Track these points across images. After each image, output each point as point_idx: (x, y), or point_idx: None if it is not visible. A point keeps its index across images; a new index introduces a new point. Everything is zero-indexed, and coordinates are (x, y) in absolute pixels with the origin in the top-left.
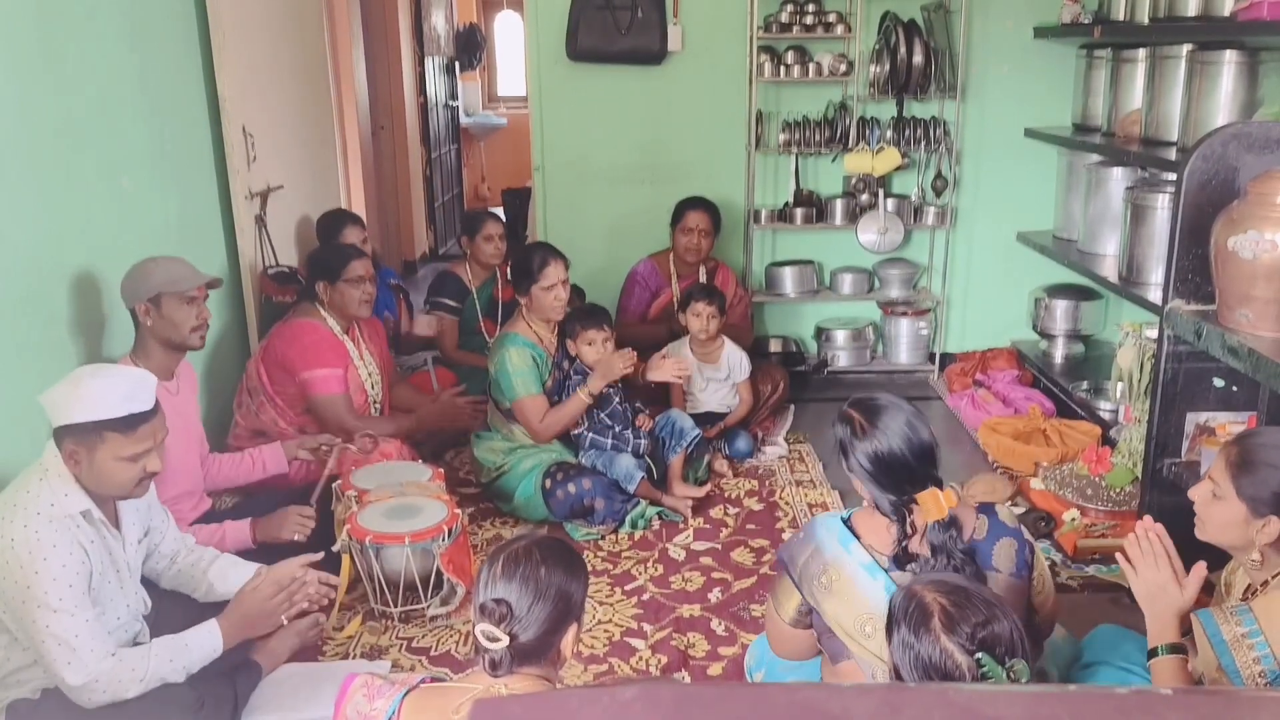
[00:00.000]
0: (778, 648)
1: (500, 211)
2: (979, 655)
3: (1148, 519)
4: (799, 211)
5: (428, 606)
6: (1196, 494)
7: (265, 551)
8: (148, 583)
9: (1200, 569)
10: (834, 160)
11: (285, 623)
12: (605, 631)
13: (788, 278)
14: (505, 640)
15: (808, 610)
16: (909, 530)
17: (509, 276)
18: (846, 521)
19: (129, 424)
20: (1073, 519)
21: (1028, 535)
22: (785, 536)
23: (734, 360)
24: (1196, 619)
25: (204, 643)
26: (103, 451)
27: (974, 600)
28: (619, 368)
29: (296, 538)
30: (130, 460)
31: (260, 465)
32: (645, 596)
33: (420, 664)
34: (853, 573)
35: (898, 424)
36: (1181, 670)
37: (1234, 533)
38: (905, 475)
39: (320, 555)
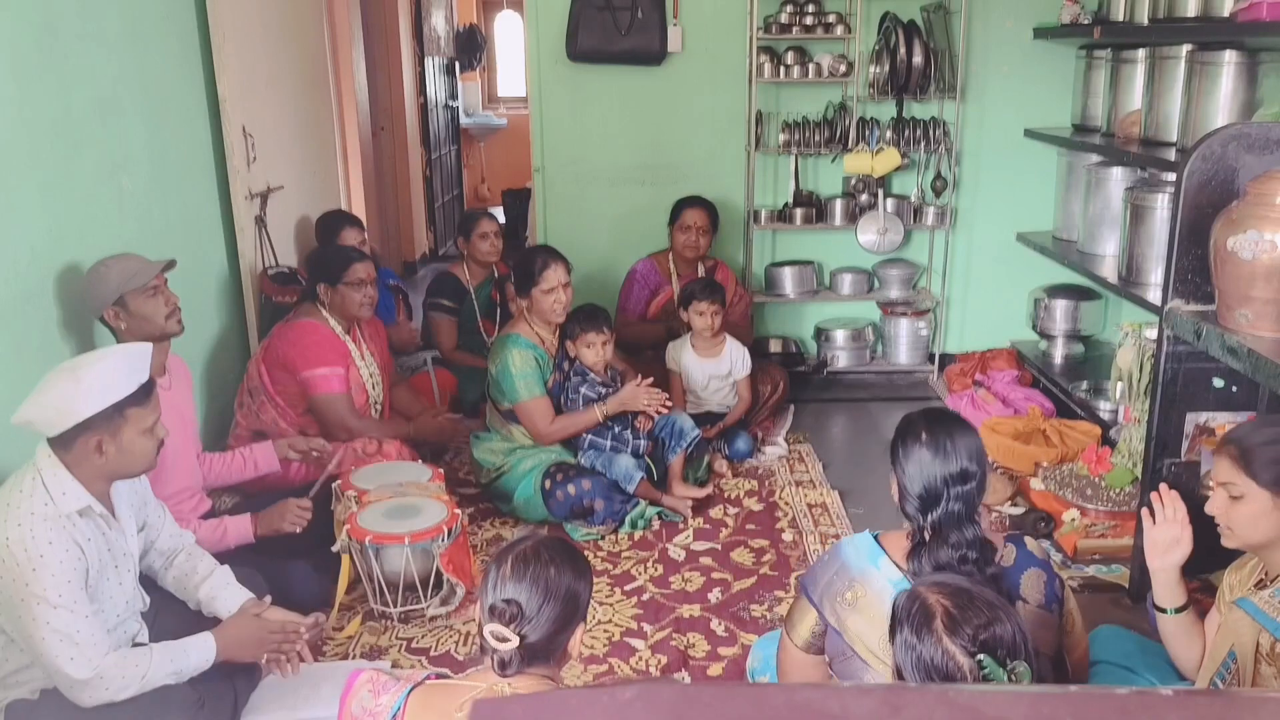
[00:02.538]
0: (786, 679)
1: (500, 212)
2: (980, 657)
3: (1164, 486)
4: (799, 212)
5: (427, 607)
6: (1214, 506)
7: (267, 551)
8: (146, 582)
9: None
10: (834, 161)
11: (263, 662)
12: (605, 632)
13: (787, 278)
14: (515, 641)
15: (822, 631)
16: (924, 538)
17: (510, 279)
18: (876, 539)
19: (142, 395)
20: (1072, 519)
21: (1057, 570)
22: (785, 536)
23: (735, 355)
24: (1236, 607)
25: (201, 650)
26: (128, 430)
27: (977, 602)
28: (642, 404)
29: (296, 529)
30: (150, 431)
31: (252, 464)
32: (645, 597)
33: (420, 664)
34: (880, 588)
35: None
36: (1198, 622)
37: (1265, 524)
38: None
39: (324, 621)
